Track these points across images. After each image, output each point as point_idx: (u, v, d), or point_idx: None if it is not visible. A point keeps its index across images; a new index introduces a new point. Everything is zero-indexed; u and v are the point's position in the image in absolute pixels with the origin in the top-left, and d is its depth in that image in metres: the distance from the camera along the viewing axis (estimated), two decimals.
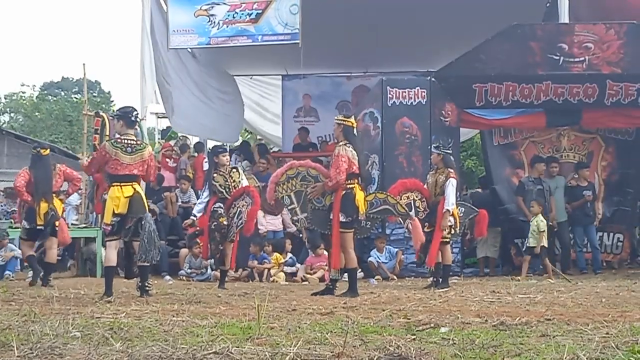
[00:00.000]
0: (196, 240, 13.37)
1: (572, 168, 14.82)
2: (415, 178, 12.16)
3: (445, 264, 11.33)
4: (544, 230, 13.01)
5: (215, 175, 11.45)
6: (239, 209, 11.15)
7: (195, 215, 11.58)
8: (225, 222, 11.15)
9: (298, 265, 13.94)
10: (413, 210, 11.03)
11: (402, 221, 10.90)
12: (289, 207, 10.28)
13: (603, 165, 15.03)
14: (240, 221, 11.08)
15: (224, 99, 19.04)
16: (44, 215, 11.72)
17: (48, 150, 12.48)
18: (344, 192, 9.75)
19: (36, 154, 12.11)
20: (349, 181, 9.76)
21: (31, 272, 12.39)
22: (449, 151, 11.59)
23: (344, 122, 10.01)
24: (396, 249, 13.35)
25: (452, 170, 11.28)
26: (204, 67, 17.85)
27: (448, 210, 11.05)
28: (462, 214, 11.65)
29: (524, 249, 13.67)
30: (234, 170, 11.64)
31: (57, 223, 11.88)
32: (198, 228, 11.92)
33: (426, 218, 11.28)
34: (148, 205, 9.73)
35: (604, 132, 14.95)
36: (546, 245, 13.09)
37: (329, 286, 10.09)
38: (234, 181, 11.42)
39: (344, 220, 9.76)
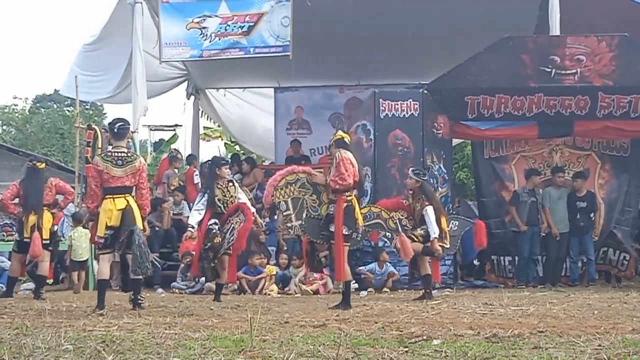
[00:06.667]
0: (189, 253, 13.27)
1: (566, 184, 14.43)
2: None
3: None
4: None
5: (215, 188, 11.20)
6: (232, 225, 10.90)
7: (193, 227, 11.07)
8: (218, 242, 10.90)
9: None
10: (400, 228, 10.92)
11: (390, 236, 10.91)
12: (285, 213, 10.12)
13: (600, 184, 14.68)
14: (232, 237, 10.84)
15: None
16: (30, 228, 11.74)
17: (44, 164, 12.43)
18: (345, 204, 9.64)
19: (32, 167, 12.09)
20: (347, 193, 9.68)
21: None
22: (425, 178, 11.51)
23: (334, 137, 10.08)
24: (391, 265, 13.31)
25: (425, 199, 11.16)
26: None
27: (435, 238, 10.99)
28: (456, 228, 11.62)
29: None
30: (231, 184, 11.32)
31: (32, 235, 11.77)
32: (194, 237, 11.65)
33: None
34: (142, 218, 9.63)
35: (599, 148, 14.72)
36: None
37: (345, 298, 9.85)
38: (231, 196, 11.13)
39: (346, 232, 9.64)
